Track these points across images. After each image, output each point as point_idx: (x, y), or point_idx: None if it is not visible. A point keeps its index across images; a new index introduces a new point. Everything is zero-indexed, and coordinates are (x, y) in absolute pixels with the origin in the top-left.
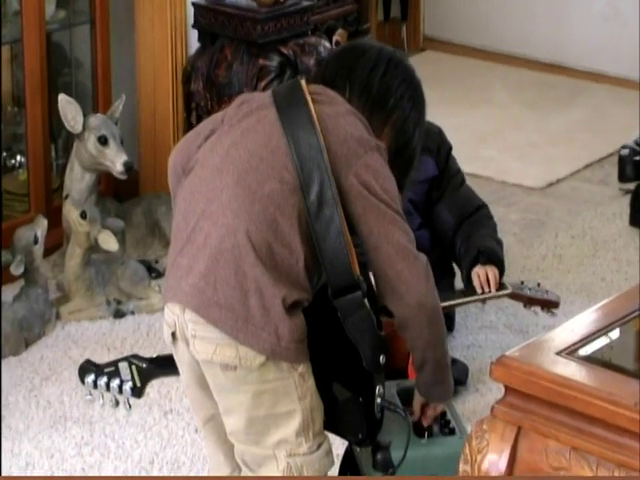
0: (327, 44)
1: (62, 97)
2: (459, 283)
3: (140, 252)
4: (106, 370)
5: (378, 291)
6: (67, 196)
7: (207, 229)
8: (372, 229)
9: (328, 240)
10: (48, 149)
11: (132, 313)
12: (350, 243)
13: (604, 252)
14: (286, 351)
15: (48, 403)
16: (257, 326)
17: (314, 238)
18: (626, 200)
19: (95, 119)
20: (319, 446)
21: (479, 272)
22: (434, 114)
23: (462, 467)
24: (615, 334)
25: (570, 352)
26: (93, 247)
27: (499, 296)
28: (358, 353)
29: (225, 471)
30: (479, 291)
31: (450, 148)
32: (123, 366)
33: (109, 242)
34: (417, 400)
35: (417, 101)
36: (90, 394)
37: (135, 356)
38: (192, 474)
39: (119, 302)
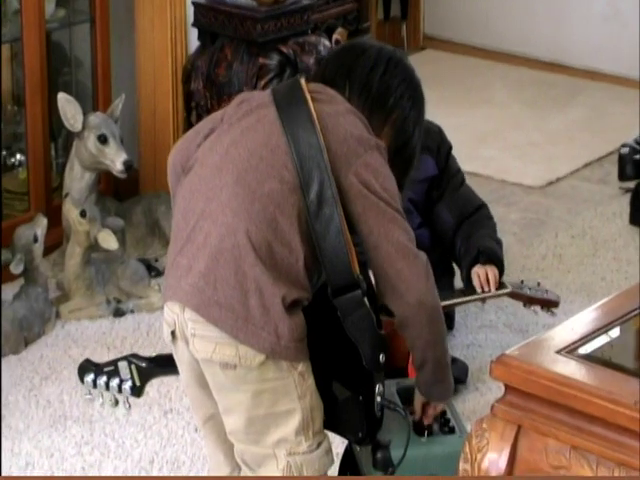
0: (327, 43)
1: (62, 96)
2: (459, 282)
3: (140, 251)
4: (105, 369)
5: (378, 290)
6: (67, 195)
7: (207, 228)
8: (372, 228)
9: (328, 239)
10: (48, 148)
11: (132, 312)
12: (350, 242)
13: (604, 251)
14: (286, 350)
15: (48, 402)
16: (257, 325)
17: (314, 237)
18: (626, 199)
19: (95, 118)
20: (319, 445)
21: (479, 271)
22: (434, 113)
23: (462, 466)
24: (615, 333)
25: (570, 351)
26: (93, 246)
27: (499, 295)
28: (358, 352)
29: (225, 470)
30: (479, 290)
31: (450, 147)
32: (122, 365)
33: (109, 241)
34: (417, 399)
35: (416, 100)
36: (89, 393)
37: (135, 355)
38: (192, 473)
39: (119, 301)
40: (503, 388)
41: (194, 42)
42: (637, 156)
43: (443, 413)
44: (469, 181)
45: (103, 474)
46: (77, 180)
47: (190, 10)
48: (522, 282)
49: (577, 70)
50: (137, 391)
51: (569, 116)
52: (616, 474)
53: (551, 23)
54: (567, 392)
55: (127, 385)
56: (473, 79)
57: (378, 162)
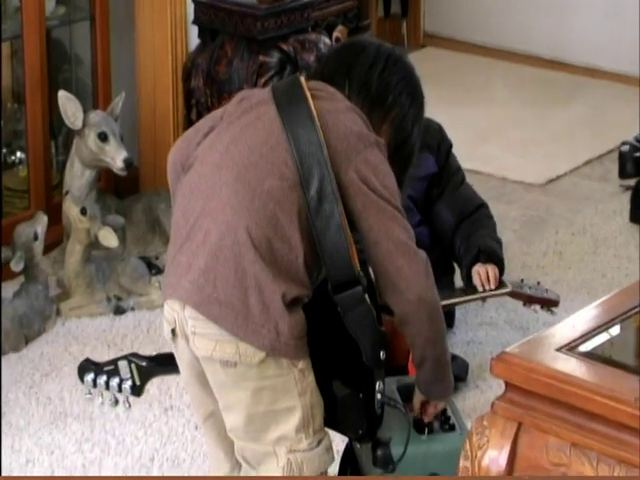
0: (327, 40)
1: (62, 93)
2: (458, 281)
3: (140, 249)
4: (105, 369)
5: (378, 287)
6: (67, 193)
7: (207, 226)
8: (372, 225)
9: (328, 235)
10: (48, 146)
11: (132, 309)
12: (350, 238)
13: (604, 249)
14: (286, 347)
15: (48, 399)
16: (257, 323)
17: (314, 233)
18: (626, 197)
19: (95, 115)
20: (319, 442)
21: (479, 270)
22: (434, 111)
23: (462, 463)
24: (615, 330)
25: (570, 348)
26: (93, 244)
27: (499, 294)
28: (358, 349)
29: (225, 468)
30: (479, 289)
31: (450, 145)
32: (122, 364)
33: (109, 239)
34: (417, 398)
35: (416, 98)
36: (90, 393)
37: (134, 354)
38: (192, 471)
39: (119, 299)
40: (503, 385)
41: (194, 39)
42: (637, 154)
43: (443, 410)
44: (469, 179)
45: (103, 471)
46: (77, 178)
47: (190, 7)
48: (522, 281)
49: (578, 68)
50: (137, 390)
51: (570, 114)
52: (616, 471)
53: (552, 21)
54: (567, 389)
55: (127, 384)
56: (474, 77)
57: (378, 159)
